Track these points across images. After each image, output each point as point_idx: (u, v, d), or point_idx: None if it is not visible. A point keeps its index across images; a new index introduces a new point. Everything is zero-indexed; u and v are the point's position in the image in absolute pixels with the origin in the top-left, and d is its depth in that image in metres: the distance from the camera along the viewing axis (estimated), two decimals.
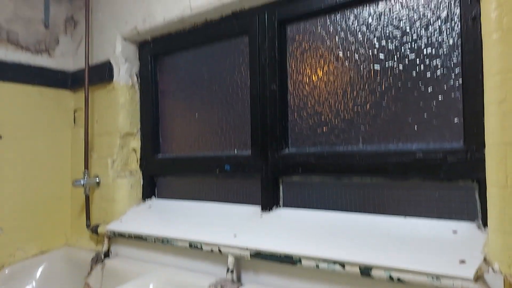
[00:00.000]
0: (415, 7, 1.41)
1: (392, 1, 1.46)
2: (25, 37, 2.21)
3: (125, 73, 2.19)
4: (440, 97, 1.35)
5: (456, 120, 1.31)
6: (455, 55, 1.32)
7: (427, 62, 1.38)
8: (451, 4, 1.33)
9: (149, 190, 2.21)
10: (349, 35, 1.57)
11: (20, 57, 2.18)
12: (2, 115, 2.12)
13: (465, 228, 1.25)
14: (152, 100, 2.21)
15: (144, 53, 2.23)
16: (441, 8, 1.35)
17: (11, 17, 2.16)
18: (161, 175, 2.19)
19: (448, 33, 1.34)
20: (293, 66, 1.72)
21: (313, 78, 1.67)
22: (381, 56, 1.48)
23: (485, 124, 1.16)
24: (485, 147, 1.17)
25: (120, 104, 2.16)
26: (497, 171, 1.09)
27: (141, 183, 2.23)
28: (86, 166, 2.21)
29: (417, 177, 1.37)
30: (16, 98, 2.17)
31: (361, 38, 1.53)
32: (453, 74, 1.32)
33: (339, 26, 1.60)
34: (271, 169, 1.73)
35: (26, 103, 2.21)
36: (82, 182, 2.17)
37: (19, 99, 2.18)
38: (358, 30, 1.54)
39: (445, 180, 1.32)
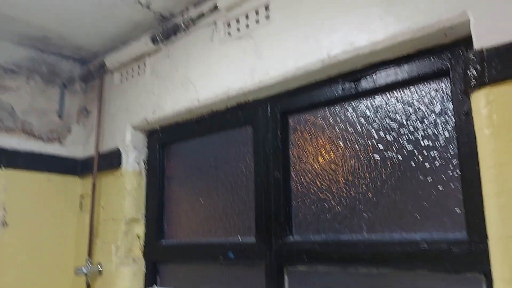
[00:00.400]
0: (410, 101, 1.50)
1: (388, 95, 1.56)
2: (39, 127, 2.32)
3: (133, 160, 2.26)
4: (440, 187, 1.38)
5: (457, 210, 1.33)
6: (451, 147, 1.37)
7: (425, 153, 1.43)
8: (443, 99, 1.42)
9: (152, 279, 2.17)
10: (348, 126, 1.64)
11: (33, 146, 2.28)
12: (10, 203, 2.16)
13: None
14: (158, 186, 2.25)
15: (152, 141, 2.32)
16: (435, 103, 1.44)
17: (28, 108, 2.29)
18: (164, 262, 2.17)
19: (443, 126, 1.41)
20: (295, 155, 1.78)
21: (315, 166, 1.72)
22: (380, 146, 1.54)
23: (486, 215, 1.18)
24: (488, 238, 1.18)
25: (127, 191, 2.21)
26: (501, 265, 1.09)
27: (144, 270, 2.19)
28: (90, 253, 2.19)
29: (423, 268, 1.36)
30: (25, 185, 2.22)
31: (360, 129, 1.61)
32: (450, 165, 1.37)
33: (338, 118, 1.68)
34: (275, 257, 1.71)
35: (34, 190, 2.26)
36: (84, 270, 2.14)
37: (28, 186, 2.23)
38: (356, 121, 1.62)
39: (451, 271, 1.31)
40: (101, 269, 2.18)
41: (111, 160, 2.26)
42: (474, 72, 1.20)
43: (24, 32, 2.24)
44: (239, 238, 1.88)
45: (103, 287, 2.16)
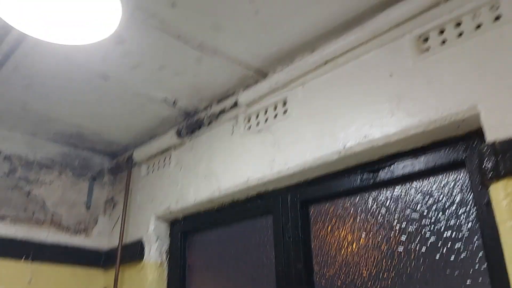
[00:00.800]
0: (430, 192, 1.49)
1: (407, 186, 1.56)
2: (67, 219, 2.40)
3: (155, 251, 2.27)
4: (468, 281, 1.32)
5: None
6: (475, 239, 1.34)
7: (449, 245, 1.39)
8: (463, 190, 1.41)
9: None
10: (369, 217, 1.63)
11: (60, 238, 2.34)
12: None
13: None
14: (179, 277, 2.22)
15: (174, 231, 2.34)
16: (454, 193, 1.43)
17: (58, 201, 2.39)
18: None
19: (465, 217, 1.38)
20: (317, 246, 1.76)
21: (338, 259, 1.68)
22: (403, 238, 1.51)
23: None
24: None
25: (148, 283, 2.19)
26: None
27: None
28: None
29: None
30: (50, 279, 2.24)
31: (381, 220, 1.59)
32: (477, 257, 1.32)
33: (359, 208, 1.67)
34: None
35: (58, 284, 2.27)
36: None
37: (52, 279, 2.25)
38: (377, 212, 1.61)
39: None
40: None
41: (134, 252, 2.28)
42: (489, 164, 1.21)
43: (60, 129, 2.41)
44: None
45: None
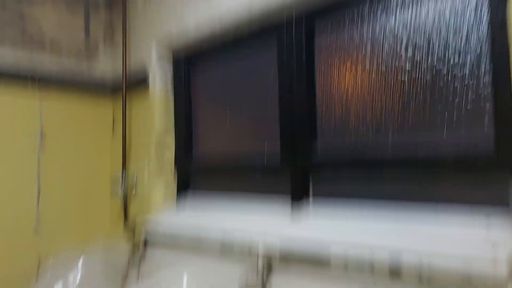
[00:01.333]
0: (442, 13, 1.40)
1: (418, 8, 1.46)
2: (67, 46, 2.35)
3: (160, 79, 2.29)
4: (468, 107, 1.34)
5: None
6: (483, 62, 1.31)
7: (454, 71, 1.37)
8: (478, 7, 1.32)
9: (183, 190, 2.30)
10: (376, 44, 1.57)
11: (63, 66, 2.33)
12: (45, 119, 2.29)
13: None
14: (184, 104, 2.29)
15: (177, 57, 2.31)
16: (469, 11, 1.35)
17: (55, 26, 2.30)
18: (195, 174, 2.28)
19: (476, 38, 1.33)
20: (321, 74, 1.74)
21: (341, 87, 1.68)
22: (408, 67, 1.49)
23: None
24: None
25: (155, 109, 2.27)
26: None
27: (176, 182, 2.32)
28: (124, 166, 2.32)
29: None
30: (59, 107, 2.34)
31: (388, 48, 1.54)
32: (482, 82, 1.31)
33: (366, 36, 1.60)
34: (300, 163, 1.75)
35: (67, 110, 2.37)
36: (120, 182, 2.29)
37: (61, 107, 2.35)
38: (384, 39, 1.55)
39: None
40: (135, 181, 2.33)
41: (139, 80, 2.32)
42: None
43: None
44: (266, 146, 1.91)
45: (138, 198, 2.32)
